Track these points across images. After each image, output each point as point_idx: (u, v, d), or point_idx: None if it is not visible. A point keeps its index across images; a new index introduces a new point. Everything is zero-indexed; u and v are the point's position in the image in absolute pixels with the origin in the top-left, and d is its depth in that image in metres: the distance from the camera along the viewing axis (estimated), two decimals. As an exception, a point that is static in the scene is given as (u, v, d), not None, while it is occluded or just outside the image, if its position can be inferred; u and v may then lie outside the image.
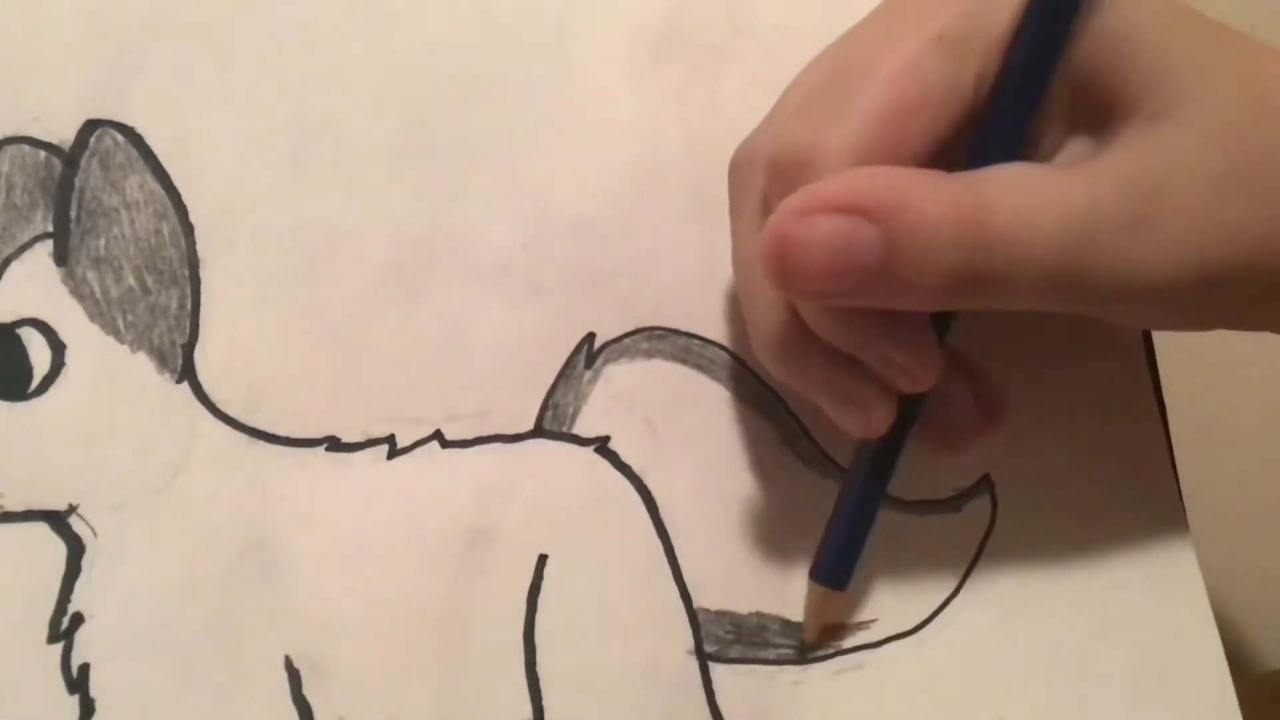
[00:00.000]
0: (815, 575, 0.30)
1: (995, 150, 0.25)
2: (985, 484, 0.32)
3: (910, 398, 0.27)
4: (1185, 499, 0.32)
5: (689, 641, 0.30)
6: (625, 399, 0.30)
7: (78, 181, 0.29)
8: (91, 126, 0.29)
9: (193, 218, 0.30)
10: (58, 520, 0.28)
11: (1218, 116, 0.24)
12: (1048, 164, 0.26)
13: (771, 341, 0.27)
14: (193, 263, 0.29)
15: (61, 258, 0.29)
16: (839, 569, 0.29)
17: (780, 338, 0.27)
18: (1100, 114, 0.26)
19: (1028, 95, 0.26)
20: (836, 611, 0.30)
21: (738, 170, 0.29)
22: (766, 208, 0.27)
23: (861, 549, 0.29)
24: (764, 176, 0.27)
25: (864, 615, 0.30)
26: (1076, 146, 0.27)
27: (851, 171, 0.24)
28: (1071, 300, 0.25)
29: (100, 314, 0.29)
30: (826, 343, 0.26)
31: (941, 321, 0.27)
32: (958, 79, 0.25)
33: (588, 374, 0.30)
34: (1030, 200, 0.24)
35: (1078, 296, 0.25)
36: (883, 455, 0.28)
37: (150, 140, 0.30)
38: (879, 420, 0.27)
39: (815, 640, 0.30)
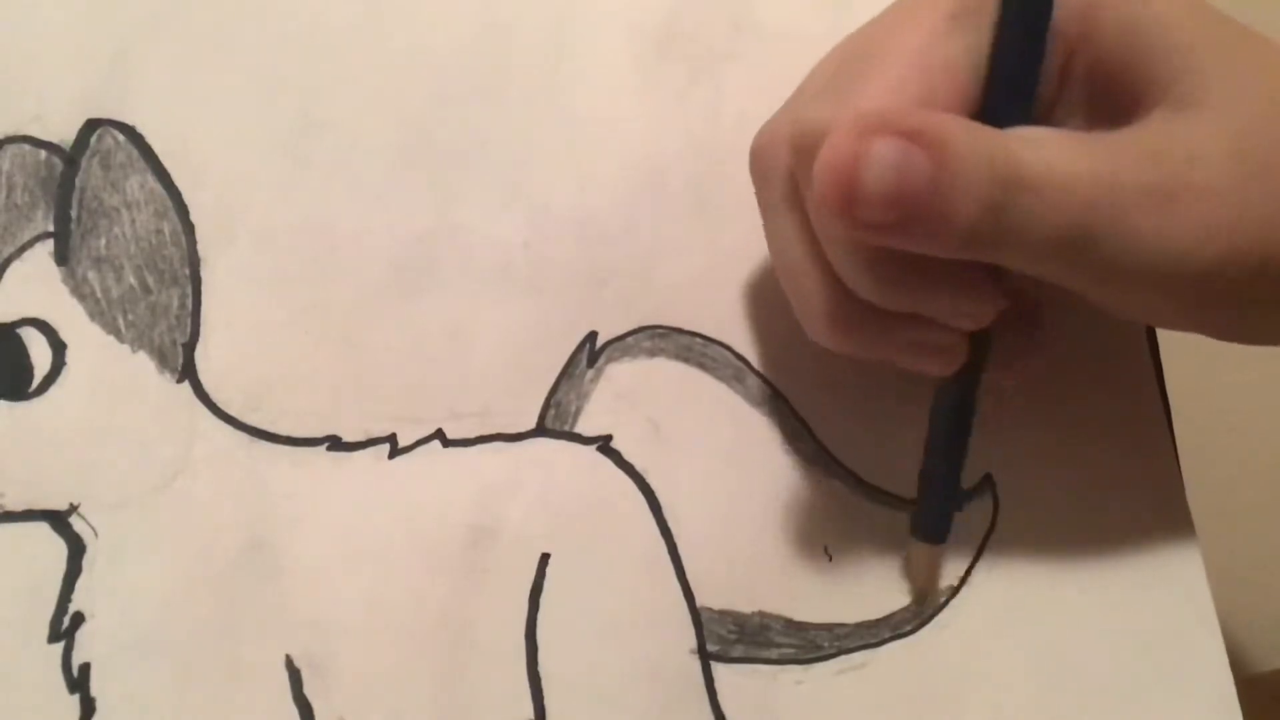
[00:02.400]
0: (919, 532, 0.30)
1: (1004, 119, 0.25)
2: (987, 483, 0.32)
3: (975, 338, 0.28)
4: (1189, 498, 0.32)
5: (691, 641, 0.29)
6: (628, 398, 0.30)
7: (78, 181, 0.29)
8: (92, 126, 0.29)
9: (193, 217, 0.30)
10: (58, 520, 0.28)
11: (1240, 110, 0.25)
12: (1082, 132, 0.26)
13: (826, 318, 0.27)
14: (193, 262, 0.29)
15: (62, 257, 0.29)
16: (941, 520, 0.30)
17: (835, 312, 0.27)
18: (1121, 106, 0.26)
19: (1025, 58, 0.26)
20: (937, 565, 0.31)
21: (760, 155, 0.29)
22: (794, 188, 0.27)
23: (958, 495, 0.30)
24: (789, 157, 0.27)
25: (866, 614, 0.30)
26: None
27: (894, 107, 0.24)
28: (1088, 267, 0.25)
29: (101, 313, 0.29)
30: (890, 315, 0.26)
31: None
32: (975, 52, 0.26)
33: (590, 372, 0.30)
34: (1058, 152, 0.24)
35: (1095, 263, 0.25)
36: (963, 392, 0.28)
37: (151, 139, 0.30)
38: (956, 356, 0.27)
39: (927, 596, 0.31)
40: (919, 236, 0.24)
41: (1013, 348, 0.29)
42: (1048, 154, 0.24)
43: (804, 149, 0.26)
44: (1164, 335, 0.33)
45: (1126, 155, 0.24)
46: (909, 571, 0.31)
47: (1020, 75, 0.26)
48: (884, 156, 0.23)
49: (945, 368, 0.28)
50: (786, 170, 0.27)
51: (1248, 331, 0.28)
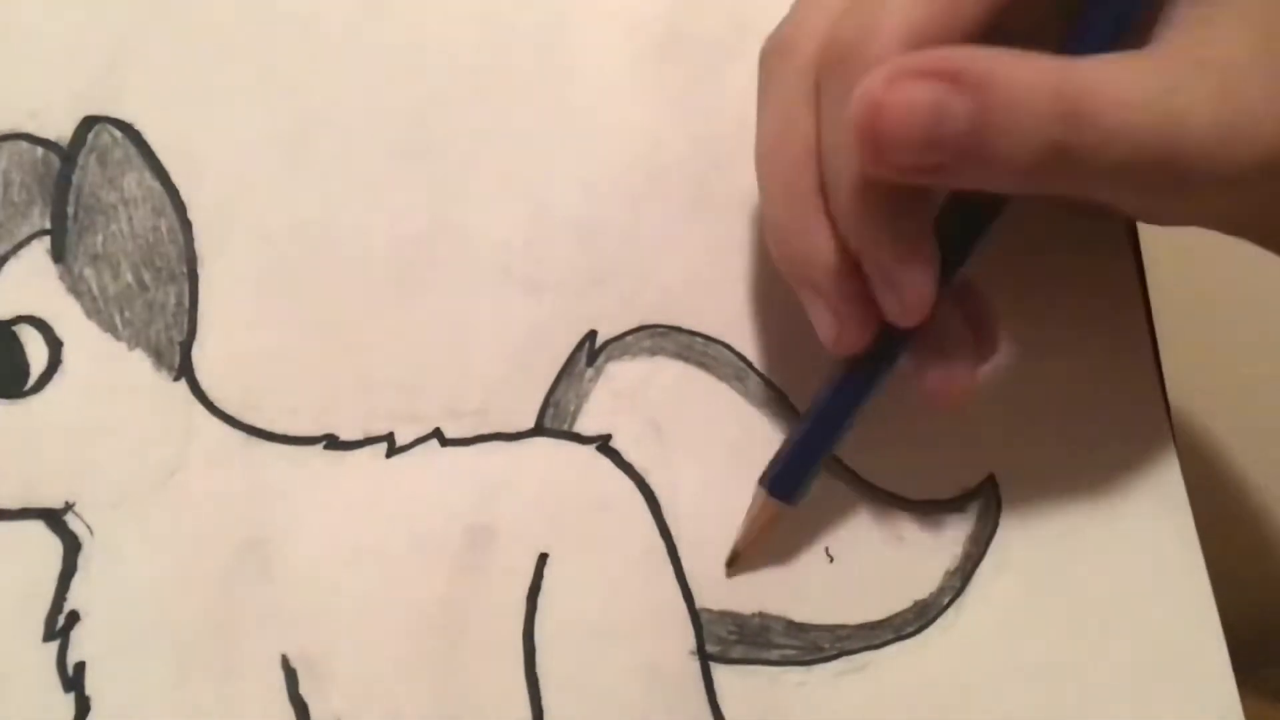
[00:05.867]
0: (764, 481, 0.30)
1: (1095, 38, 0.26)
2: (990, 485, 0.31)
3: (897, 330, 0.27)
4: (1190, 498, 0.32)
5: (690, 642, 0.29)
6: (627, 397, 0.30)
7: (75, 178, 0.29)
8: (89, 123, 0.29)
9: (191, 215, 0.29)
10: (54, 518, 0.28)
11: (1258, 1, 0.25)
12: (1122, 53, 0.25)
13: (786, 233, 0.27)
14: (191, 260, 0.29)
15: (59, 255, 0.29)
16: (789, 480, 0.29)
17: (792, 227, 0.27)
18: None
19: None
20: (775, 530, 0.30)
21: (770, 57, 0.28)
22: (803, 96, 0.27)
23: (815, 465, 0.29)
24: (811, 65, 0.26)
25: (868, 615, 0.30)
26: None
27: (936, 48, 0.24)
28: (1156, 183, 0.25)
29: (98, 311, 0.29)
30: (832, 243, 0.26)
31: (951, 262, 0.27)
32: None
33: (589, 371, 0.30)
34: (1120, 78, 0.24)
35: (1163, 179, 0.25)
36: (857, 376, 0.28)
37: (148, 137, 0.30)
38: (848, 339, 0.27)
39: (743, 553, 0.30)
40: (967, 176, 0.24)
41: (962, 374, 0.28)
42: (1114, 76, 0.24)
43: (830, 58, 0.26)
44: (1164, 334, 0.33)
45: (1181, 70, 0.24)
46: (745, 519, 0.30)
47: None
48: (912, 101, 0.23)
49: (832, 342, 0.27)
50: (795, 78, 0.27)
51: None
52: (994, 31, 0.25)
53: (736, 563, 0.30)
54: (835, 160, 0.26)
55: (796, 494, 0.29)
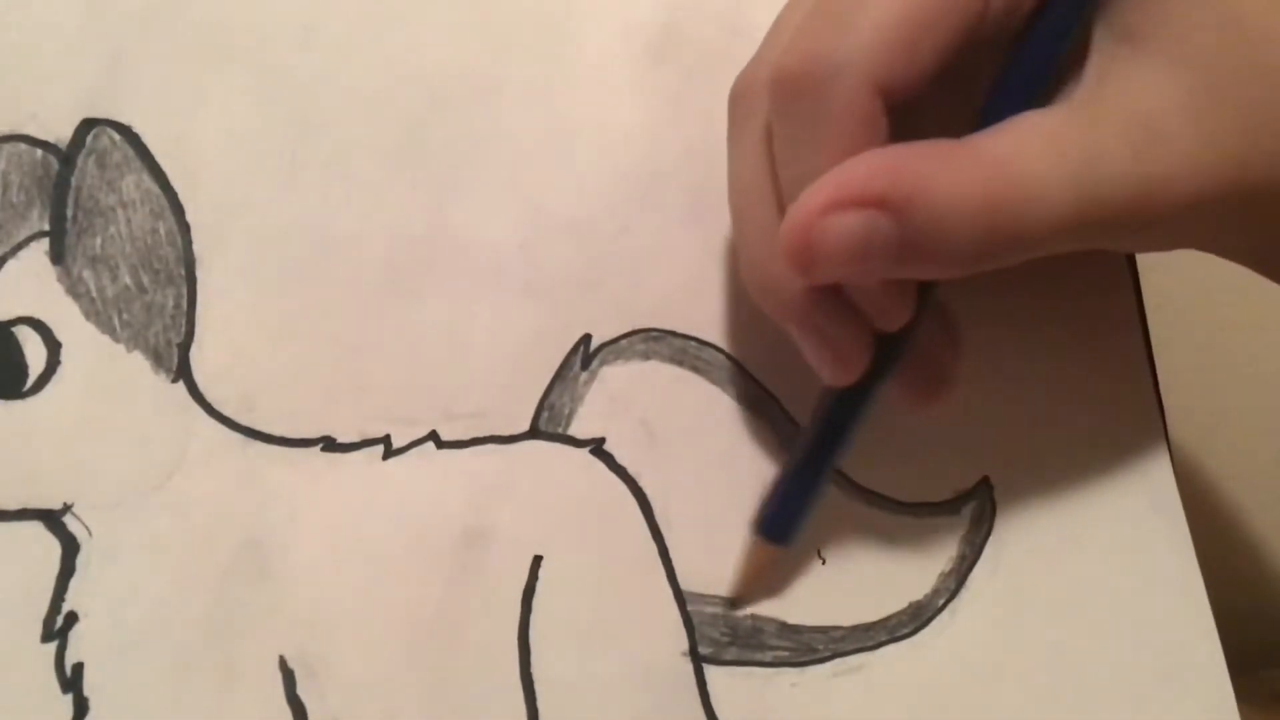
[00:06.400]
0: (756, 527, 0.29)
1: (1016, 95, 0.26)
2: (984, 487, 0.31)
3: (882, 351, 0.27)
4: (1184, 499, 0.32)
5: (683, 644, 0.29)
6: (621, 400, 0.30)
7: (74, 180, 0.29)
8: (88, 125, 0.29)
9: (189, 217, 0.30)
10: (52, 519, 0.28)
11: (1190, 42, 0.25)
12: (1047, 108, 0.26)
13: (761, 270, 0.27)
14: (189, 262, 0.29)
15: (58, 256, 0.29)
16: (782, 523, 0.29)
17: (770, 267, 0.27)
18: None
19: (1052, 44, 0.26)
20: (772, 569, 0.30)
21: (738, 98, 0.29)
22: (768, 134, 0.27)
23: (808, 504, 0.29)
24: (766, 100, 0.26)
25: (861, 617, 0.30)
26: None
27: (863, 157, 0.24)
28: (1087, 241, 0.25)
29: (96, 313, 0.29)
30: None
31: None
32: None
33: (584, 375, 0.30)
34: (1037, 158, 0.24)
35: (1092, 236, 0.25)
36: (844, 407, 0.28)
37: (147, 139, 0.30)
38: (852, 364, 0.27)
39: (742, 596, 0.30)
40: (901, 275, 0.25)
41: (944, 380, 0.29)
42: (1030, 156, 0.24)
43: (783, 90, 0.25)
44: (1158, 334, 0.33)
45: (1100, 129, 0.24)
46: (738, 564, 0.30)
47: (1044, 57, 0.26)
48: (842, 232, 0.23)
49: (836, 371, 0.27)
50: (763, 116, 0.27)
51: (1230, 249, 0.28)
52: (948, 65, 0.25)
53: (739, 604, 0.30)
54: (793, 197, 0.26)
55: (790, 536, 0.29)
